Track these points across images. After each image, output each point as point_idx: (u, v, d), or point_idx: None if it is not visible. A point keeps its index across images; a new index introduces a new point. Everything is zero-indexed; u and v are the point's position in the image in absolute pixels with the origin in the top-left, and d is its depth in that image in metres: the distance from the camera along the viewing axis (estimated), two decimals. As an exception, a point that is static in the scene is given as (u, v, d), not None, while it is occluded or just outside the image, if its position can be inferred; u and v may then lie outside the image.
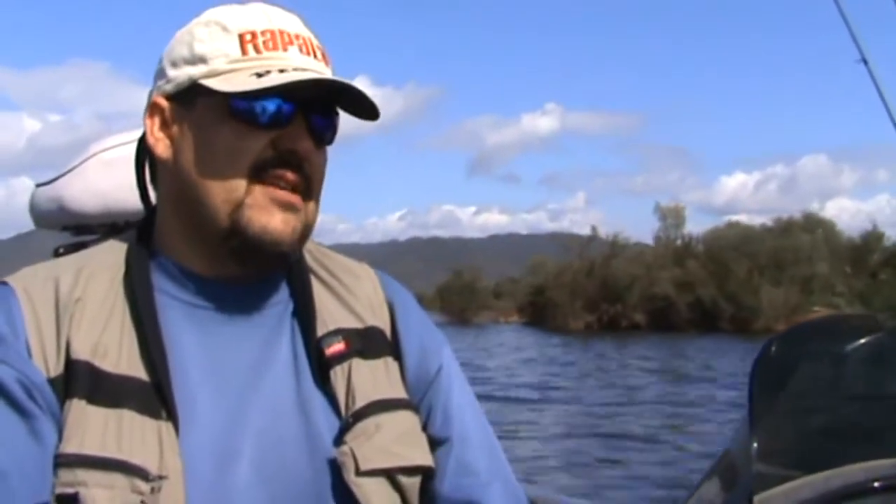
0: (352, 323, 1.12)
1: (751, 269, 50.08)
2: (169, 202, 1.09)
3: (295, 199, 1.04)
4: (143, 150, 1.14)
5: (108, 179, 1.78)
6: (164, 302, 1.05)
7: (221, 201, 1.02)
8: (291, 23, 1.08)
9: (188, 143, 1.05)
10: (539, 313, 58.65)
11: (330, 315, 1.11)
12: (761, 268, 50.17)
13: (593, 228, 62.04)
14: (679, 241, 58.94)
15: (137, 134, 1.80)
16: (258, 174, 1.02)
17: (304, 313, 1.10)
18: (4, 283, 1.04)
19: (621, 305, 54.50)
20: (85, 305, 1.02)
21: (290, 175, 1.03)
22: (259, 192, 1.02)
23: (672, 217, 59.65)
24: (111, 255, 1.09)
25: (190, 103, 1.06)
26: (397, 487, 1.05)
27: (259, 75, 1.01)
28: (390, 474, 1.04)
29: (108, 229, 1.87)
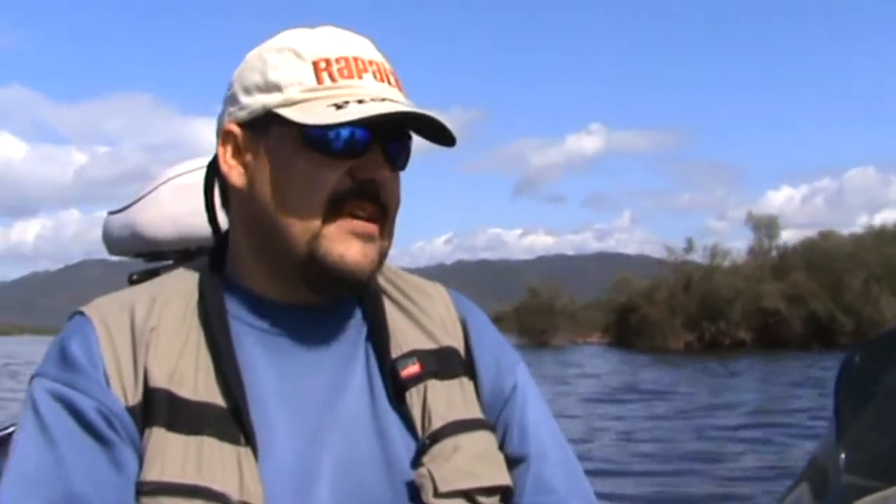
0: (426, 344, 1.17)
1: (867, 279, 48.86)
2: (243, 229, 1.14)
3: (373, 228, 1.09)
4: (213, 176, 1.21)
5: (180, 205, 1.89)
6: (238, 328, 1.11)
7: (299, 232, 1.07)
8: (364, 48, 1.13)
9: (263, 171, 1.10)
10: (627, 333, 58.01)
11: (404, 336, 1.16)
12: (877, 277, 48.94)
13: (688, 241, 61.20)
14: (774, 253, 57.89)
15: (208, 160, 1.97)
16: (336, 205, 1.07)
17: (378, 336, 1.15)
18: (81, 313, 1.11)
19: (724, 322, 53.68)
20: (160, 333, 1.08)
21: (368, 205, 1.08)
22: (337, 222, 1.07)
23: (766, 228, 58.63)
24: (184, 282, 1.16)
25: (264, 131, 1.10)
26: None
27: (338, 106, 1.05)
28: (469, 495, 1.08)
29: (181, 255, 2.00)
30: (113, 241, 2.07)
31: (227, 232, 1.20)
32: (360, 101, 1.06)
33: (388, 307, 1.20)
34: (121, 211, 2.02)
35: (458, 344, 1.20)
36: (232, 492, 1.00)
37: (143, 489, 1.00)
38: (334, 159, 1.07)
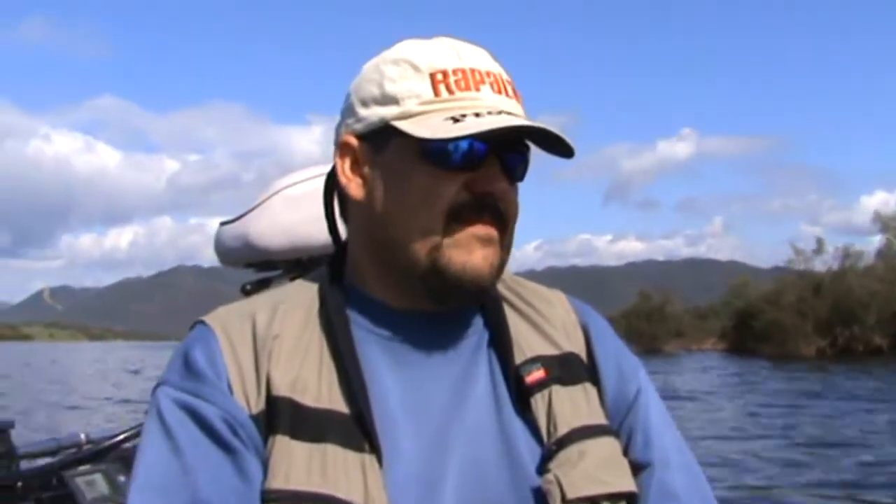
0: (548, 350, 1.21)
1: None
2: (362, 240, 1.19)
3: (493, 232, 1.13)
4: (332, 186, 1.26)
5: (292, 215, 1.99)
6: (360, 336, 1.15)
7: (419, 244, 1.12)
8: (481, 59, 1.16)
9: (381, 184, 1.15)
10: (747, 339, 56.73)
11: (526, 343, 1.20)
12: None
13: (818, 241, 59.59)
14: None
15: (320, 169, 2.08)
16: (455, 217, 1.11)
17: (500, 343, 1.19)
18: (203, 323, 1.16)
19: (858, 327, 52.17)
20: (282, 341, 1.12)
21: (486, 217, 1.12)
22: (457, 231, 1.11)
23: (894, 229, 56.73)
24: (304, 291, 1.21)
25: (382, 143, 1.15)
26: None
27: (455, 120, 1.09)
28: (596, 501, 1.11)
29: (292, 265, 2.10)
30: (225, 251, 2.17)
31: (346, 241, 1.25)
32: (477, 115, 1.10)
33: (510, 314, 1.23)
34: (233, 221, 2.12)
35: (580, 350, 1.24)
36: (357, 499, 1.04)
37: (269, 497, 1.04)
38: (452, 172, 1.11)
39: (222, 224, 2.18)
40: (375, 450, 1.08)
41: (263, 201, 2.07)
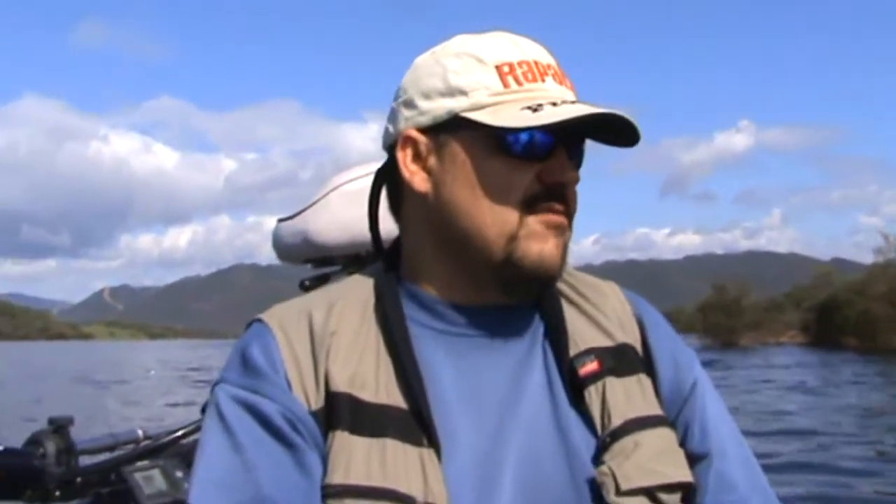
0: (603, 341, 1.23)
1: None
2: (425, 234, 1.22)
3: (564, 221, 1.17)
4: (381, 182, 1.30)
5: (351, 211, 2.03)
6: (417, 330, 1.19)
7: (495, 235, 1.14)
8: (540, 53, 1.20)
9: (451, 176, 1.17)
10: (831, 331, 55.74)
11: (581, 335, 1.23)
12: None
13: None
14: None
15: (377, 165, 2.12)
16: (528, 207, 1.15)
17: (555, 335, 1.22)
18: (259, 321, 1.20)
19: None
20: (339, 338, 1.16)
21: (557, 207, 1.16)
22: (532, 221, 1.14)
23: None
24: (360, 287, 1.25)
25: (449, 135, 1.18)
26: None
27: (533, 109, 1.12)
28: (651, 493, 1.14)
29: (350, 260, 2.15)
30: (283, 248, 2.23)
31: (399, 236, 1.29)
32: (553, 104, 1.13)
33: (565, 306, 1.26)
34: (291, 218, 2.17)
35: (635, 341, 1.27)
36: (417, 493, 1.07)
37: (329, 492, 1.08)
38: (524, 162, 1.15)
39: (280, 221, 2.23)
40: (434, 444, 1.11)
41: (321, 197, 2.11)
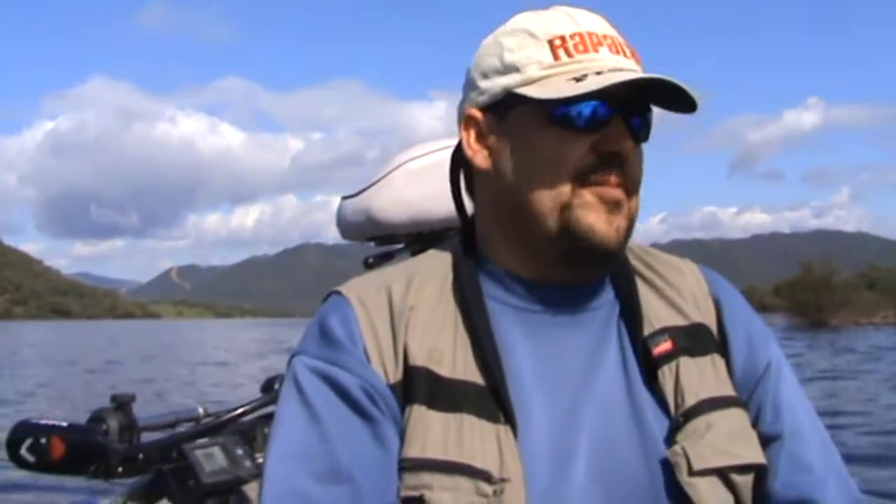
0: (677, 321, 1.25)
1: None
2: (491, 210, 1.25)
3: (619, 194, 1.17)
4: (457, 161, 1.33)
5: (414, 189, 2.06)
6: (494, 307, 1.21)
7: (548, 207, 1.16)
8: (597, 23, 1.21)
9: (508, 152, 1.20)
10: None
11: (655, 314, 1.25)
12: None
13: None
14: None
15: (441, 143, 2.14)
16: (582, 178, 1.16)
17: (630, 313, 1.24)
18: (338, 293, 1.23)
19: None
20: (418, 312, 1.19)
21: (613, 178, 1.17)
22: (585, 193, 1.16)
23: None
24: (437, 263, 1.27)
25: (506, 113, 1.21)
26: (730, 487, 1.16)
27: (577, 79, 1.14)
28: (724, 473, 1.15)
29: (413, 238, 2.17)
30: (346, 226, 2.26)
31: (473, 215, 1.31)
32: (598, 73, 1.15)
33: (640, 285, 1.28)
34: (355, 196, 2.20)
35: (711, 321, 1.28)
36: (493, 469, 1.09)
37: (406, 465, 1.11)
38: (578, 133, 1.16)
39: (344, 198, 2.26)
40: (510, 421, 1.13)
41: (385, 175, 2.14)
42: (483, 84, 1.23)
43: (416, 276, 1.24)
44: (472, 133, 1.25)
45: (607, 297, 1.26)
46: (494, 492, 1.08)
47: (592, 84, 1.12)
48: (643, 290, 1.28)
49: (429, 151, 2.10)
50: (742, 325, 1.29)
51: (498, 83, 1.21)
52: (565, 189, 1.16)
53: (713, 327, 1.28)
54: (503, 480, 1.09)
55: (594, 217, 1.16)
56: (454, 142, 1.31)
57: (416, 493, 1.09)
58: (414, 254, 2.15)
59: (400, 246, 2.25)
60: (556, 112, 1.16)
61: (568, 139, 1.16)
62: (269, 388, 2.57)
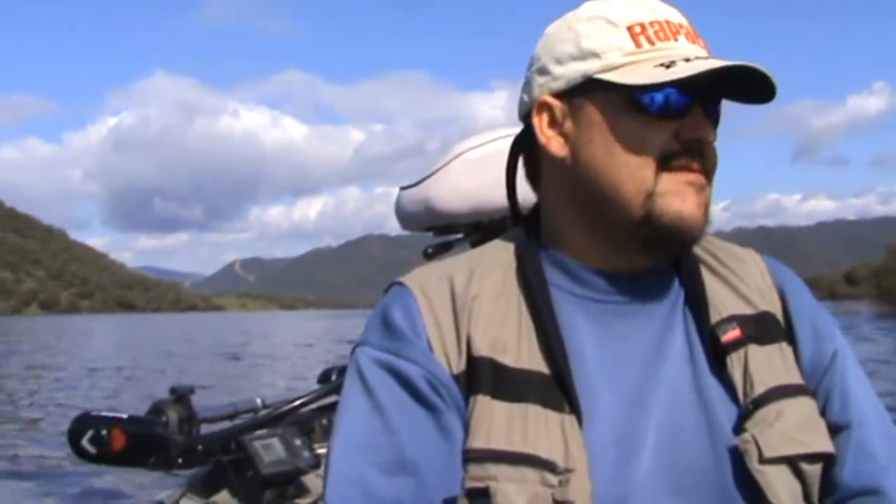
0: (744, 309, 1.24)
1: None
2: (565, 198, 1.23)
3: (703, 180, 1.18)
4: (518, 150, 1.33)
5: (473, 178, 2.07)
6: (558, 295, 1.21)
7: (632, 193, 1.16)
8: (672, 12, 1.22)
9: (587, 138, 1.19)
10: None
11: (721, 302, 1.24)
12: None
13: None
14: None
15: (499, 132, 2.15)
16: (666, 165, 1.16)
17: (696, 302, 1.24)
18: (400, 283, 1.24)
19: None
20: (481, 302, 1.19)
21: (695, 165, 1.17)
22: (669, 178, 1.16)
23: None
24: (500, 252, 1.27)
25: (584, 98, 1.20)
26: (799, 475, 1.16)
27: (665, 66, 1.14)
28: (793, 462, 1.15)
29: (472, 228, 2.19)
30: (405, 216, 2.28)
31: (537, 203, 1.31)
32: (686, 60, 1.15)
33: (704, 273, 1.28)
34: (413, 186, 2.22)
35: (776, 310, 1.27)
36: (558, 459, 1.09)
37: (470, 456, 1.11)
38: (660, 120, 1.16)
39: (402, 189, 2.28)
40: (575, 410, 1.13)
41: (444, 165, 2.15)
42: (557, 70, 1.23)
43: (478, 265, 1.24)
44: (545, 119, 1.24)
45: (672, 285, 1.26)
46: (560, 482, 1.08)
47: (686, 70, 1.13)
48: (708, 279, 1.27)
49: (487, 141, 2.11)
50: (807, 315, 1.29)
51: (576, 69, 1.21)
52: (649, 175, 1.16)
53: (779, 316, 1.27)
54: (568, 471, 1.09)
55: (680, 203, 1.16)
56: (512, 131, 1.32)
57: (480, 485, 1.09)
58: (473, 243, 2.17)
59: (459, 236, 2.26)
60: (641, 99, 1.16)
61: (652, 126, 1.16)
62: (326, 380, 2.60)
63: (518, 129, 1.31)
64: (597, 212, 1.20)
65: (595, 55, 1.19)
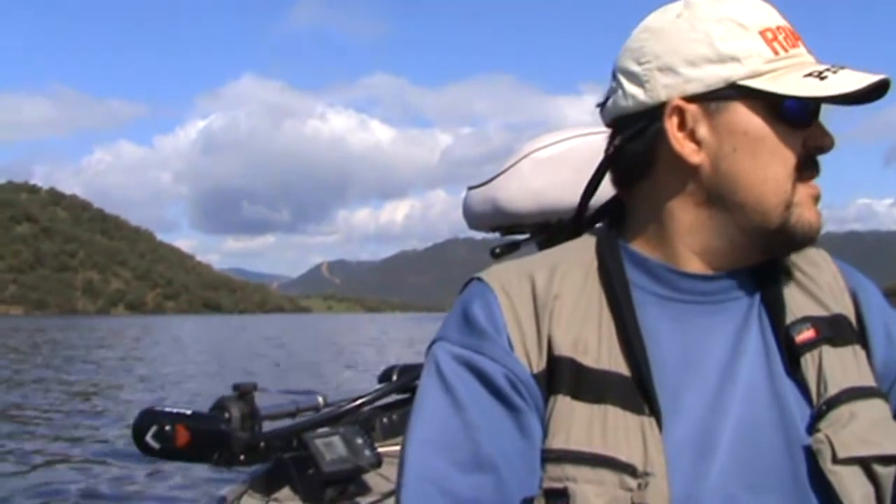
0: (818, 311, 1.25)
1: None
2: (687, 203, 1.22)
3: (821, 191, 1.21)
4: (614, 151, 1.28)
5: (542, 178, 2.07)
6: (639, 296, 1.21)
7: (775, 203, 1.17)
8: (783, 17, 1.22)
9: (730, 146, 1.18)
10: None
11: (796, 303, 1.25)
12: None
13: None
14: None
15: (568, 133, 2.15)
16: (798, 174, 1.18)
17: (771, 302, 1.25)
18: (480, 279, 1.24)
19: None
20: (562, 301, 1.19)
21: (815, 173, 1.20)
22: (801, 189, 1.19)
23: None
24: (581, 251, 1.27)
25: (723, 104, 1.18)
26: (872, 477, 1.15)
27: (820, 77, 1.15)
28: (866, 463, 1.15)
29: (540, 228, 2.20)
30: (473, 216, 2.30)
31: (615, 202, 1.32)
32: (829, 71, 1.16)
33: (779, 273, 1.28)
34: (481, 186, 2.23)
35: (849, 312, 1.28)
36: (637, 462, 1.09)
37: (549, 456, 1.11)
38: (794, 129, 1.18)
39: (470, 188, 2.29)
40: (655, 413, 1.13)
41: (512, 165, 2.16)
42: (690, 72, 1.20)
43: (559, 264, 1.25)
44: (676, 122, 1.21)
45: (749, 286, 1.27)
46: (639, 485, 1.09)
47: (843, 85, 1.14)
48: (783, 279, 1.28)
49: (556, 141, 2.11)
50: (881, 319, 1.29)
51: (714, 72, 1.18)
52: (788, 185, 1.18)
53: (852, 319, 1.28)
54: (647, 474, 1.09)
55: (810, 213, 1.19)
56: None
57: (559, 485, 1.10)
58: (540, 244, 2.18)
59: (526, 236, 2.27)
60: (786, 107, 1.17)
61: (789, 135, 1.18)
62: (387, 379, 2.62)
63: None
64: (730, 219, 1.20)
65: (735, 59, 1.17)
